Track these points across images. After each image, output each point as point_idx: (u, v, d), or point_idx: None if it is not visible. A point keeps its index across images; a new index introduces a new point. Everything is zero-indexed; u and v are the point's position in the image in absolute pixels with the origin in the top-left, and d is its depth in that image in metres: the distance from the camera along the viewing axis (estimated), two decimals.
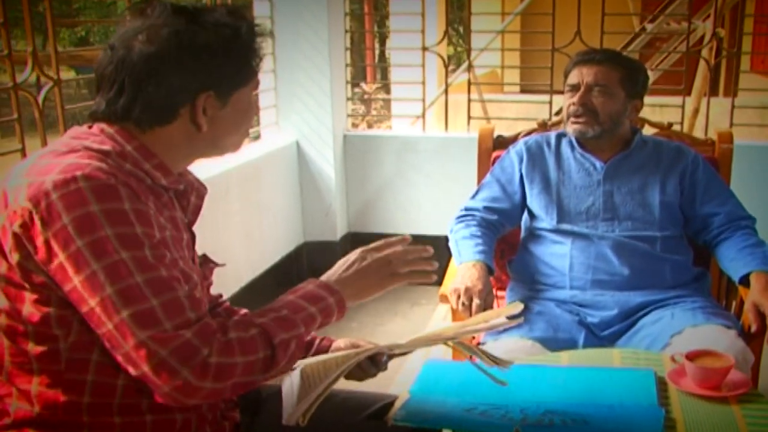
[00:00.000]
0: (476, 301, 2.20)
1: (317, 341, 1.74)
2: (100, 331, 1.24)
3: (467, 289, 2.22)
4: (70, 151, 1.30)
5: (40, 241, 1.22)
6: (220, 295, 1.78)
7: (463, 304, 2.21)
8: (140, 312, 1.21)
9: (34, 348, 1.31)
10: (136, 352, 1.21)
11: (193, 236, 1.53)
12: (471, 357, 1.57)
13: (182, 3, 1.43)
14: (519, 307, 1.61)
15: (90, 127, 1.39)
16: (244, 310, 1.74)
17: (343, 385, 1.66)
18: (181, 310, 1.25)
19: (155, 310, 1.22)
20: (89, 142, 1.34)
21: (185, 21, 1.36)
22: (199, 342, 1.23)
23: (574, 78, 2.44)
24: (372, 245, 1.53)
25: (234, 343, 1.27)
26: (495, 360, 1.54)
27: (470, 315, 2.21)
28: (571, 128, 2.46)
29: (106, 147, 1.33)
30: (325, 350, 1.71)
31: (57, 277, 1.24)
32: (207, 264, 1.63)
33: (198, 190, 1.55)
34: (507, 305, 1.56)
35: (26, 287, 1.28)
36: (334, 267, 1.51)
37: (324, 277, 1.49)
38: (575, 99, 2.42)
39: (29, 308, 1.29)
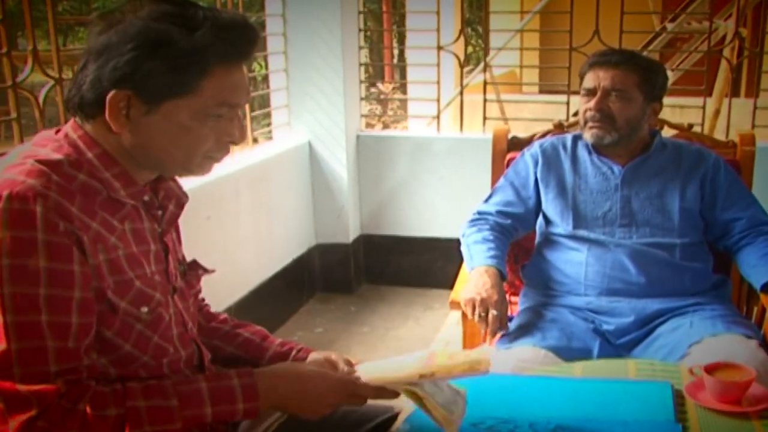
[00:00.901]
0: (493, 312, 2.15)
1: (294, 352, 1.68)
2: None
3: (483, 300, 2.16)
4: (19, 163, 1.26)
5: None
6: (203, 299, 1.73)
7: (480, 315, 2.15)
8: None
9: None
10: None
11: (165, 247, 1.46)
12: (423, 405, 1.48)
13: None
14: (487, 353, 1.51)
15: (57, 131, 1.36)
16: (223, 315, 1.74)
17: None
18: (41, 360, 1.21)
19: (10, 355, 1.19)
20: (46, 151, 1.29)
21: (152, 12, 1.29)
22: (35, 400, 1.20)
23: (590, 82, 2.36)
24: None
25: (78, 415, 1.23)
26: (445, 418, 1.45)
27: (486, 326, 2.16)
28: (588, 134, 2.38)
29: (58, 156, 1.29)
30: (302, 361, 1.64)
31: None
32: (194, 271, 1.59)
33: (178, 198, 1.50)
34: (477, 351, 1.48)
35: None
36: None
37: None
38: (592, 104, 2.34)
39: None
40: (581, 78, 2.41)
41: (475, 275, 2.28)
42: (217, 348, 1.66)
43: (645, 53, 6.61)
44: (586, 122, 2.38)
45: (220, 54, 1.30)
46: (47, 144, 1.31)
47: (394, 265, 4.52)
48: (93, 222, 1.27)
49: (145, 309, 1.34)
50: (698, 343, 2.07)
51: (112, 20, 1.29)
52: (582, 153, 2.47)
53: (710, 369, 1.66)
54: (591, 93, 2.35)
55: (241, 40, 1.33)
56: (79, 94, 1.30)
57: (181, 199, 1.51)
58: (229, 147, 1.41)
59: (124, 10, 1.29)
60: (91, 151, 1.31)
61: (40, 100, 2.43)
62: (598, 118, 2.33)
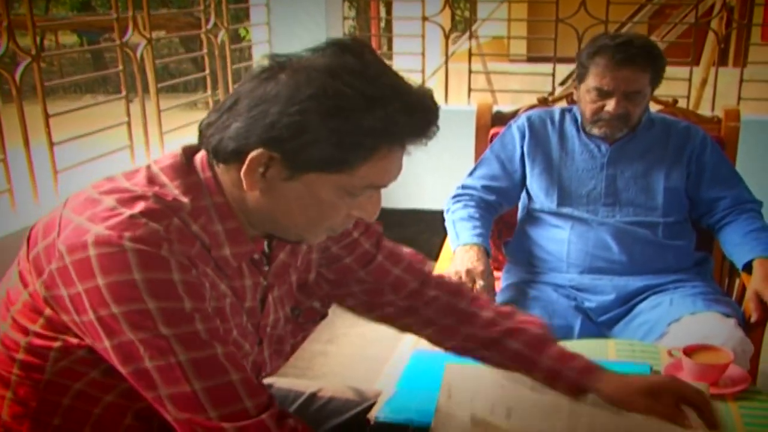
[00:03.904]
0: (480, 283, 2.16)
1: (568, 372, 1.49)
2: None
3: (468, 271, 2.18)
4: (138, 197, 1.16)
5: (72, 291, 1.12)
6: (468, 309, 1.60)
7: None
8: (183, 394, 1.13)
9: (20, 363, 1.24)
10: (176, 424, 1.16)
11: (264, 300, 1.36)
12: None
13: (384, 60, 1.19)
14: None
15: (191, 154, 1.25)
16: (489, 314, 1.58)
17: (337, 371, 1.61)
18: (233, 398, 1.14)
19: (197, 395, 1.13)
20: (171, 187, 1.20)
21: (331, 65, 1.13)
22: None
23: (606, 83, 2.23)
24: None
25: None
26: None
27: None
28: (598, 131, 2.33)
29: (184, 200, 1.18)
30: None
31: (86, 330, 1.15)
32: (311, 316, 1.51)
33: (293, 246, 1.39)
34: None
35: (42, 314, 1.20)
36: None
37: None
38: (611, 108, 2.25)
39: (36, 329, 1.21)
40: (583, 66, 2.29)
41: (461, 252, 2.28)
42: (485, 359, 1.56)
43: (631, 23, 6.63)
44: (597, 120, 2.30)
45: (393, 139, 1.15)
46: (177, 177, 1.21)
47: None
48: (207, 268, 1.20)
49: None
50: (677, 321, 2.08)
51: (284, 65, 1.15)
52: (570, 129, 2.44)
53: (689, 351, 1.67)
54: (605, 95, 2.26)
55: (423, 127, 1.17)
56: (221, 135, 1.16)
57: (295, 248, 1.40)
58: (353, 222, 1.29)
59: (300, 56, 1.16)
60: (213, 198, 1.21)
61: (17, 77, 2.35)
62: (615, 119, 2.27)
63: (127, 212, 1.12)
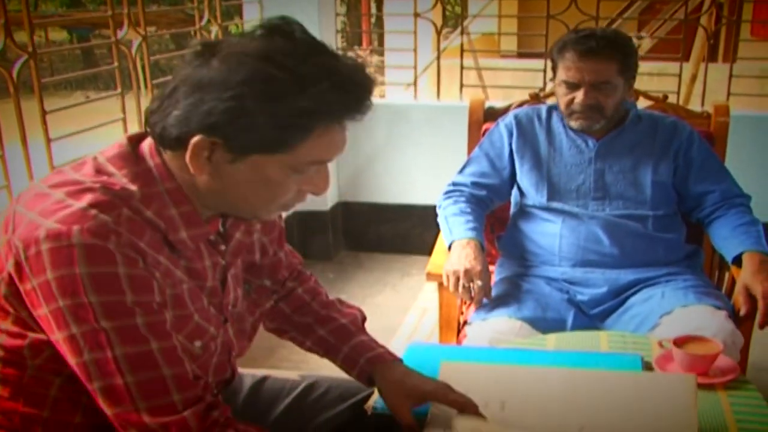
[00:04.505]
0: (478, 283, 2.17)
1: (362, 361, 1.57)
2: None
3: (467, 271, 2.19)
4: (86, 189, 1.17)
5: (28, 286, 1.15)
6: (310, 275, 1.73)
7: (464, 286, 2.17)
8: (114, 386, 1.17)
9: (1, 359, 1.26)
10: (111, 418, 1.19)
11: (224, 280, 1.39)
12: None
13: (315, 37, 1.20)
14: None
15: (137, 142, 1.28)
16: (325, 297, 1.70)
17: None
18: (162, 391, 1.17)
19: (129, 388, 1.16)
20: (119, 177, 1.22)
21: (263, 50, 1.15)
22: None
23: (571, 74, 2.29)
24: None
25: None
26: None
27: (470, 297, 2.18)
28: (575, 123, 2.37)
29: (132, 188, 1.21)
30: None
31: (42, 323, 1.18)
32: (263, 290, 1.57)
33: (247, 225, 1.44)
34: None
35: (9, 313, 1.23)
36: None
37: None
38: (579, 99, 2.30)
39: (6, 327, 1.24)
40: (554, 61, 2.36)
41: (457, 248, 2.29)
42: (309, 329, 1.64)
43: (621, 19, 6.66)
44: (571, 113, 2.35)
45: (329, 117, 1.18)
46: (124, 166, 1.23)
47: (372, 233, 4.54)
48: (160, 256, 1.21)
49: (198, 343, 1.31)
50: (669, 314, 2.11)
51: (215, 50, 1.17)
52: (557, 125, 2.47)
53: (679, 342, 1.70)
54: (573, 87, 2.31)
55: (357, 101, 1.19)
56: (163, 123, 1.19)
57: (251, 225, 1.45)
58: (306, 197, 1.31)
59: (232, 41, 1.18)
60: (165, 184, 1.24)
61: (14, 74, 2.36)
62: (586, 110, 2.31)
63: (75, 205, 1.15)
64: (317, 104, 1.14)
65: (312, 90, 1.13)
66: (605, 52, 2.27)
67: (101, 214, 1.14)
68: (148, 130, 1.24)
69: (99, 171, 1.23)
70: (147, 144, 1.26)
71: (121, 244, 1.14)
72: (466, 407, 1.43)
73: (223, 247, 1.38)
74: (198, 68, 1.16)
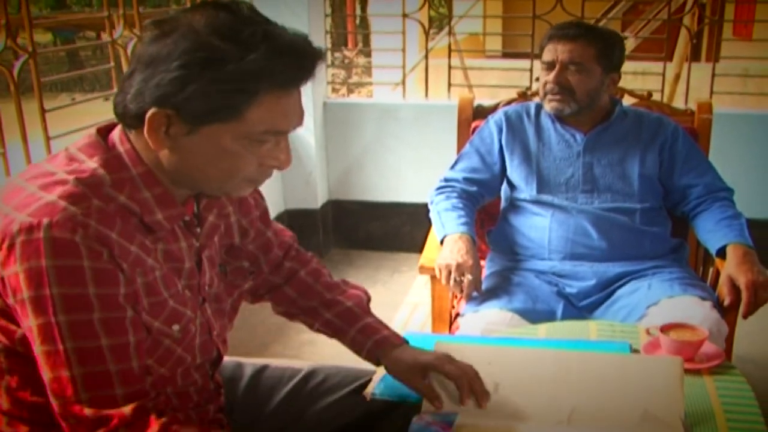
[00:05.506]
0: (468, 277, 2.21)
1: (369, 343, 1.65)
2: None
3: (459, 265, 2.23)
4: (57, 182, 1.21)
5: (4, 278, 1.19)
6: (312, 256, 1.79)
7: (455, 280, 2.22)
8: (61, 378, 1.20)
9: (6, 349, 1.30)
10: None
11: (199, 261, 1.42)
12: None
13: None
14: None
15: (106, 132, 1.32)
16: (328, 279, 1.76)
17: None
18: (106, 384, 1.21)
19: (75, 380, 1.19)
20: (91, 164, 1.25)
21: (207, 24, 1.20)
22: (100, 424, 1.20)
23: (548, 55, 2.40)
24: None
25: None
26: None
27: (461, 291, 2.23)
28: (548, 106, 2.44)
29: (102, 172, 1.24)
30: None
31: (15, 315, 1.23)
32: (239, 270, 1.58)
33: (221, 207, 1.48)
34: None
35: (2, 307, 1.26)
36: None
37: None
38: (551, 77, 2.39)
39: (4, 320, 1.28)
40: (541, 50, 2.45)
41: (450, 242, 2.34)
42: (316, 312, 1.70)
43: (605, 19, 6.73)
44: (546, 94, 2.43)
45: (271, 81, 1.21)
46: (95, 153, 1.27)
47: (362, 230, 4.57)
48: (132, 246, 1.24)
49: (176, 327, 1.34)
50: (656, 304, 2.16)
51: (165, 28, 1.21)
52: (545, 121, 2.53)
53: (666, 329, 1.74)
54: (550, 66, 2.40)
55: (298, 67, 1.24)
56: (123, 103, 1.24)
57: (224, 208, 1.49)
58: (272, 172, 1.34)
59: (180, 17, 1.22)
60: (136, 168, 1.27)
61: (15, 73, 2.40)
62: (557, 90, 2.39)
63: (46, 197, 1.19)
64: (258, 67, 1.19)
65: (253, 55, 1.18)
66: (584, 36, 2.37)
67: (71, 206, 1.18)
68: (115, 113, 1.29)
69: (70, 160, 1.27)
70: (116, 132, 1.30)
71: (88, 237, 1.17)
72: (460, 379, 1.51)
73: (198, 230, 1.41)
74: (149, 46, 1.22)
